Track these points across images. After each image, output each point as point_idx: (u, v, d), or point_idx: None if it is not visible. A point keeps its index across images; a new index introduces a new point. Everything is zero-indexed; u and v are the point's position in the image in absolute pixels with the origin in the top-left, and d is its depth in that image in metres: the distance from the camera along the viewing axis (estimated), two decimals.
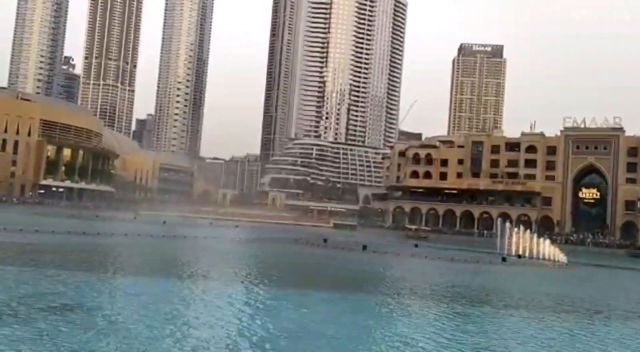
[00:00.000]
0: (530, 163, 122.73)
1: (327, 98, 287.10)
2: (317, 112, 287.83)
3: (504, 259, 52.34)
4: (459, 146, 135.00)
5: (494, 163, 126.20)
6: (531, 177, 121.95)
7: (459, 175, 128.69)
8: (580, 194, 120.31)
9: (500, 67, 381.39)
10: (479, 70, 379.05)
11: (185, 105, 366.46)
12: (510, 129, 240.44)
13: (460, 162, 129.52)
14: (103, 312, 16.82)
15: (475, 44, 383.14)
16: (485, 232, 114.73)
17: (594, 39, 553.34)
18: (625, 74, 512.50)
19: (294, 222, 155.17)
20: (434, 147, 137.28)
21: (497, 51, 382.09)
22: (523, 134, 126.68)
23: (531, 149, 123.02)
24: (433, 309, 22.54)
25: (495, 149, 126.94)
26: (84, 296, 19.11)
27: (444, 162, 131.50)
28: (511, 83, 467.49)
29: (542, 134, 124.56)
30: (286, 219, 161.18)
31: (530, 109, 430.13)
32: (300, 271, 35.18)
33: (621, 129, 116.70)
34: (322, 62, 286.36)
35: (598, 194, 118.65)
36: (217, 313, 17.98)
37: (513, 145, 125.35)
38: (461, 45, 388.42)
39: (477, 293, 28.75)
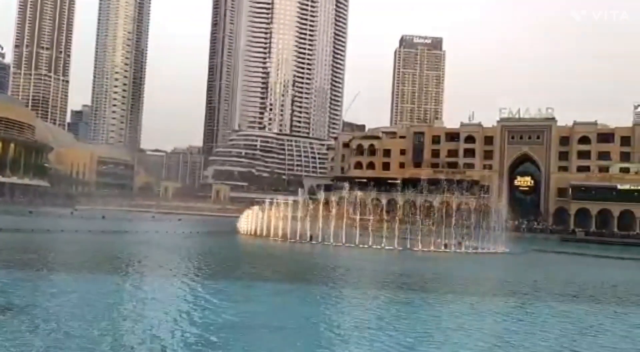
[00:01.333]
0: (469, 153, 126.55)
1: (271, 89, 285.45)
2: (261, 103, 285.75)
3: (445, 246, 53.90)
4: (401, 137, 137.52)
5: (435, 153, 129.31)
6: (470, 166, 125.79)
7: (402, 165, 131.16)
8: (515, 182, 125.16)
9: (440, 59, 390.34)
10: (419, 62, 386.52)
11: (124, 96, 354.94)
12: (450, 120, 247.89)
13: (403, 152, 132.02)
14: (38, 311, 16.12)
15: (416, 36, 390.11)
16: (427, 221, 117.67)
17: (526, 28, 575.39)
18: (558, 61, 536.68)
19: (239, 214, 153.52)
20: (377, 138, 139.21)
21: (437, 43, 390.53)
22: (462, 124, 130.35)
23: (470, 139, 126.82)
24: (377, 297, 22.91)
25: (436, 140, 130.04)
26: (18, 294, 18.24)
27: (387, 153, 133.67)
28: (450, 75, 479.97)
29: (480, 125, 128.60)
30: (231, 212, 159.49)
31: (469, 100, 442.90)
32: (246, 263, 34.92)
33: (553, 119, 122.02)
34: (265, 53, 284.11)
35: (532, 181, 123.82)
36: (160, 308, 17.58)
37: (453, 136, 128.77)
38: (402, 36, 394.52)
39: (420, 280, 29.45)
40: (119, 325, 15.01)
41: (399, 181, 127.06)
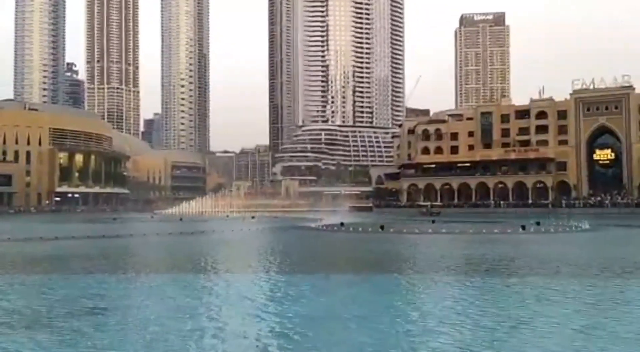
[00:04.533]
0: (542, 129, 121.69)
1: (332, 82, 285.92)
2: (322, 96, 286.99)
3: (523, 227, 52.04)
4: (468, 118, 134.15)
5: (505, 132, 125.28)
6: (544, 143, 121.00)
7: (471, 147, 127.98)
8: (594, 156, 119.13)
9: (504, 35, 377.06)
10: (482, 40, 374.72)
11: (191, 102, 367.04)
12: (519, 97, 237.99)
13: (471, 134, 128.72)
14: (129, 312, 16.90)
15: (477, 14, 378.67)
16: (501, 202, 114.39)
17: None
18: (631, 32, 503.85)
19: (309, 208, 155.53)
20: (443, 121, 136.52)
21: (499, 19, 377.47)
22: (532, 100, 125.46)
23: (541, 115, 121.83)
24: (458, 283, 22.41)
25: (505, 118, 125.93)
26: (109, 297, 19.23)
27: (454, 136, 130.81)
28: (516, 50, 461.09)
29: (551, 99, 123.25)
30: (301, 206, 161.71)
31: (538, 74, 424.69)
32: (320, 256, 35.20)
33: (631, 87, 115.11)
34: (323, 46, 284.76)
35: (613, 154, 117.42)
36: (241, 304, 18.01)
37: (523, 113, 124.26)
38: (462, 16, 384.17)
39: (500, 263, 28.57)
40: (203, 322, 15.50)
41: (469, 164, 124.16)
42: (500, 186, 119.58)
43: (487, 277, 23.68)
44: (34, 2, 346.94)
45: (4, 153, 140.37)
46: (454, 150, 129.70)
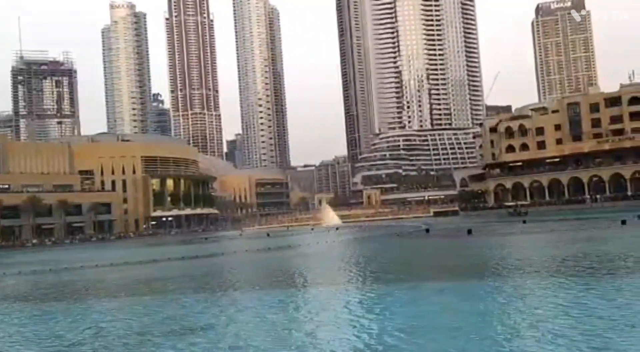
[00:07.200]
0: (636, 116, 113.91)
1: (406, 87, 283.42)
2: (397, 102, 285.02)
3: (623, 222, 48.77)
4: (553, 111, 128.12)
5: (596, 122, 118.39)
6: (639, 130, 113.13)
7: (559, 141, 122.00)
8: None
9: (585, 21, 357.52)
10: (561, 28, 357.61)
11: (269, 120, 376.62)
12: (608, 84, 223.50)
13: (558, 127, 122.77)
14: (223, 329, 17.49)
15: (553, 1, 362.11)
16: (597, 197, 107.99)
17: None
18: None
19: (393, 216, 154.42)
20: (526, 117, 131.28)
21: (578, 4, 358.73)
22: (622, 86, 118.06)
23: (634, 100, 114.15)
24: (554, 285, 21.35)
25: (594, 108, 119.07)
26: (203, 316, 19.99)
27: (540, 131, 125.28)
28: (600, 35, 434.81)
29: None
30: (385, 215, 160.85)
31: (626, 58, 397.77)
32: (406, 265, 34.76)
33: None
34: (394, 52, 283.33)
35: None
36: (330, 318, 18.12)
37: (614, 100, 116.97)
38: (538, 5, 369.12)
39: (597, 262, 26.92)
40: (296, 338, 15.74)
41: (558, 159, 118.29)
42: (595, 179, 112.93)
43: (581, 277, 22.38)
44: (120, 41, 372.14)
45: (102, 183, 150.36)
46: (541, 145, 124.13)
